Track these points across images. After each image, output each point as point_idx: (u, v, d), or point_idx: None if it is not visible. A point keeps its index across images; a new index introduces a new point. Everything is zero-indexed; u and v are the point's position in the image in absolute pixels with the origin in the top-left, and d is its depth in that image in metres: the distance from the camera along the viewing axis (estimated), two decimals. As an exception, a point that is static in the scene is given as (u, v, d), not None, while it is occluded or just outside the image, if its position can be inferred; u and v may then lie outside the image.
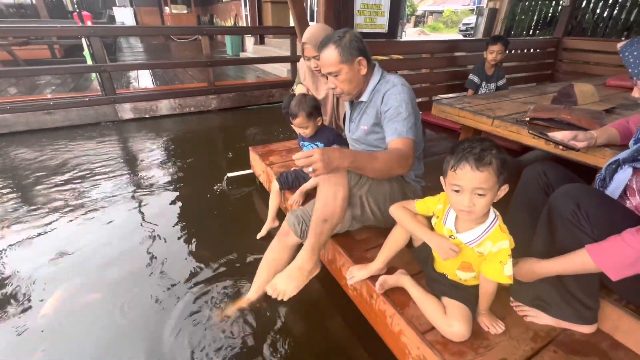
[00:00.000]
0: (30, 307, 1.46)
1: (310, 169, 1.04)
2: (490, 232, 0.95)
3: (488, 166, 0.86)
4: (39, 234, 1.93)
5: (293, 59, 4.71)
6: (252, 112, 4.48)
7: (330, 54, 1.26)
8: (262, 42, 7.88)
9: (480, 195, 0.89)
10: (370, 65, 1.34)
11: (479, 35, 7.41)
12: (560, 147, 1.23)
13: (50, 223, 2.03)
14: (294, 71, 4.84)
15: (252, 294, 1.46)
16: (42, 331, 1.35)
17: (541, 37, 5.61)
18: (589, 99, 1.78)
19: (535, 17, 6.19)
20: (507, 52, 2.76)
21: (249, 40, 8.19)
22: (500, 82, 2.87)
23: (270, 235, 1.73)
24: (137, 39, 11.84)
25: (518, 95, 2.07)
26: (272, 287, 1.28)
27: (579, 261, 0.90)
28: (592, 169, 1.26)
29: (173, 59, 8.38)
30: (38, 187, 2.43)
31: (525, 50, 4.21)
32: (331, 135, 1.76)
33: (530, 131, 1.35)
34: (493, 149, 0.88)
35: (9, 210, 2.16)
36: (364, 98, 1.38)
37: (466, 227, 0.99)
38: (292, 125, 2.29)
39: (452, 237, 1.01)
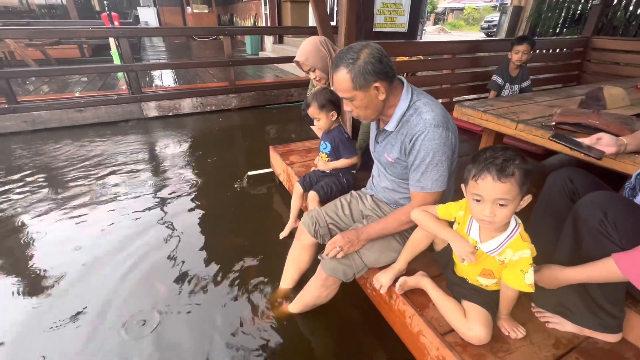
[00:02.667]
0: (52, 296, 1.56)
1: (337, 248, 1.23)
2: (511, 241, 0.96)
3: (510, 177, 0.85)
4: (65, 227, 2.05)
5: (312, 59, 4.74)
6: (271, 111, 4.55)
7: (342, 78, 1.09)
8: (280, 41, 7.96)
9: (501, 205, 0.89)
10: (394, 85, 1.15)
11: (502, 34, 7.22)
12: (583, 154, 1.20)
13: (76, 216, 2.14)
14: (312, 71, 4.87)
15: (282, 286, 1.55)
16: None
17: (568, 37, 5.42)
18: (619, 103, 1.72)
19: (563, 15, 5.98)
20: (532, 52, 2.70)
21: (268, 40, 8.28)
22: (525, 84, 2.81)
23: (292, 234, 1.79)
24: (160, 38, 12.16)
25: (543, 97, 2.03)
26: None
27: (604, 270, 0.89)
28: (620, 175, 1.23)
29: (194, 57, 8.58)
30: (68, 181, 2.57)
31: (552, 50, 4.08)
32: (337, 137, 1.75)
33: (551, 138, 1.30)
34: (516, 159, 0.87)
35: (38, 201, 2.30)
36: (389, 127, 1.20)
37: (488, 236, 0.99)
38: (311, 126, 2.33)
39: (476, 247, 1.01)
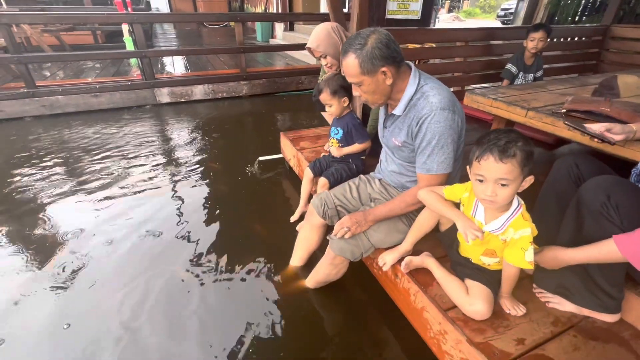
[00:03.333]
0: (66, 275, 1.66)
1: (345, 229, 1.28)
2: (513, 220, 0.99)
3: (512, 158, 0.89)
4: (80, 208, 2.13)
5: (323, 46, 4.72)
6: (281, 99, 4.58)
7: (350, 63, 1.13)
8: (291, 28, 7.89)
9: (503, 185, 0.92)
10: (401, 70, 1.18)
11: (519, 22, 7.02)
12: (596, 140, 1.22)
13: (91, 198, 2.23)
14: (323, 58, 4.86)
15: (292, 263, 1.64)
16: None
17: (588, 25, 5.25)
18: (633, 91, 1.70)
19: (583, 3, 5.78)
20: (549, 40, 2.65)
21: (279, 27, 8.22)
22: (539, 73, 2.77)
23: (303, 217, 1.85)
24: (171, 25, 12.16)
25: (556, 86, 2.01)
26: None
27: (604, 251, 0.92)
28: (629, 163, 1.24)
29: (205, 44, 8.58)
30: (85, 164, 2.67)
31: (569, 39, 3.97)
32: (350, 123, 1.78)
33: (566, 122, 1.33)
34: (519, 140, 0.90)
35: (57, 183, 2.40)
36: (397, 111, 1.23)
37: (492, 217, 1.03)
38: (321, 113, 2.36)
39: (482, 230, 1.04)
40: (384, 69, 1.12)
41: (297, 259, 1.63)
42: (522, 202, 1.01)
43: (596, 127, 1.20)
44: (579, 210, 1.01)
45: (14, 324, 1.37)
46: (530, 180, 0.94)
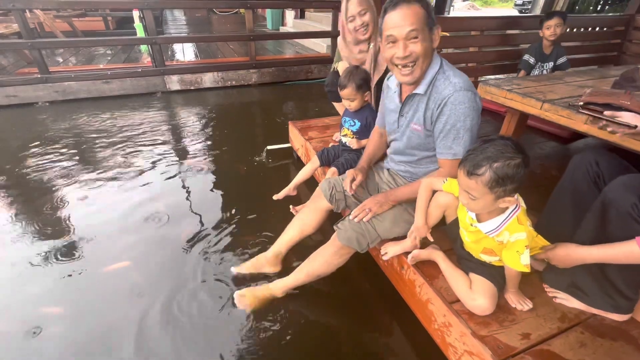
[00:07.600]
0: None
1: (366, 210, 1.28)
2: (508, 224, 0.98)
3: (477, 177, 0.88)
4: (89, 192, 2.17)
5: (334, 34, 4.64)
6: (290, 88, 4.54)
7: (416, 11, 1.03)
8: (302, 16, 7.77)
9: (471, 198, 0.93)
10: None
11: (538, 11, 6.77)
12: (619, 132, 1.15)
13: (99, 182, 2.27)
14: (334, 47, 4.79)
15: (276, 246, 1.55)
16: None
17: (610, 14, 5.03)
18: (656, 84, 1.63)
19: (606, -9, 5.53)
20: (565, 26, 2.56)
21: (289, 14, 8.10)
22: (560, 61, 2.68)
23: (287, 199, 1.91)
24: (181, 11, 12.08)
25: (574, 78, 1.94)
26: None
27: (624, 251, 0.88)
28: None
29: (215, 32, 8.54)
30: (95, 150, 2.70)
31: (590, 29, 3.82)
32: (370, 116, 1.76)
33: (582, 110, 1.24)
34: (500, 159, 0.86)
35: (65, 168, 2.44)
36: (419, 90, 1.16)
37: (486, 217, 1.01)
38: (333, 103, 2.34)
39: (473, 225, 1.04)
40: (439, 28, 1.10)
41: (281, 243, 1.53)
42: (522, 204, 0.99)
43: (629, 118, 1.14)
44: (605, 210, 0.96)
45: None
46: (509, 200, 0.92)
